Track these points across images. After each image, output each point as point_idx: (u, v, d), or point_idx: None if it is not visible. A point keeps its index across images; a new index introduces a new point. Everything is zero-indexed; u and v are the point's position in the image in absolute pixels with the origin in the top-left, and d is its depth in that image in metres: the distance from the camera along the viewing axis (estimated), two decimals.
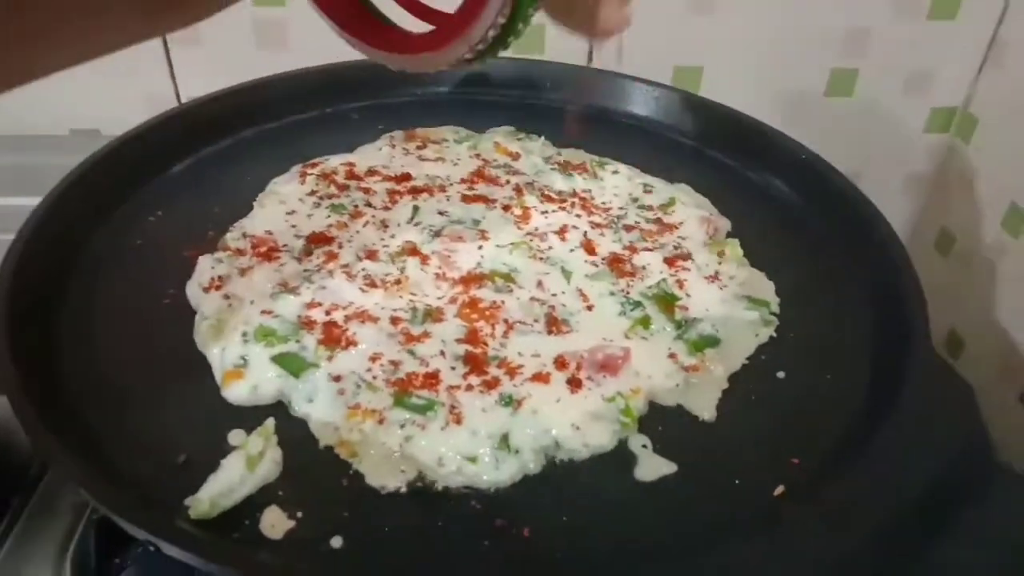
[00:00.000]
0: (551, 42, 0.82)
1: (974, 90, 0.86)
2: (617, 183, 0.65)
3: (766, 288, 0.55)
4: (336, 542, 0.38)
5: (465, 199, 0.60)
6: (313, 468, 0.42)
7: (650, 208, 0.61)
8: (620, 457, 0.43)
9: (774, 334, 0.52)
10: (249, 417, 0.44)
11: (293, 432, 0.43)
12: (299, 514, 0.39)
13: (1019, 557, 0.35)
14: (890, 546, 0.36)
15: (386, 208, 0.59)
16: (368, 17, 0.38)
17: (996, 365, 0.82)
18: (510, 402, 0.44)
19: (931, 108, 0.88)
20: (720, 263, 0.56)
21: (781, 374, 0.49)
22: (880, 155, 0.92)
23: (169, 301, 0.51)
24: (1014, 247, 0.80)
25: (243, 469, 0.40)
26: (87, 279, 0.53)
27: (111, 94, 0.82)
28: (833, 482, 0.40)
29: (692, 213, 0.60)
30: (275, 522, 0.39)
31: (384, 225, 0.57)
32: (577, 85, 0.77)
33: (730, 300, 0.53)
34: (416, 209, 0.58)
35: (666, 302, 0.51)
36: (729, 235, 0.60)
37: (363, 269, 0.52)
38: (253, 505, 0.39)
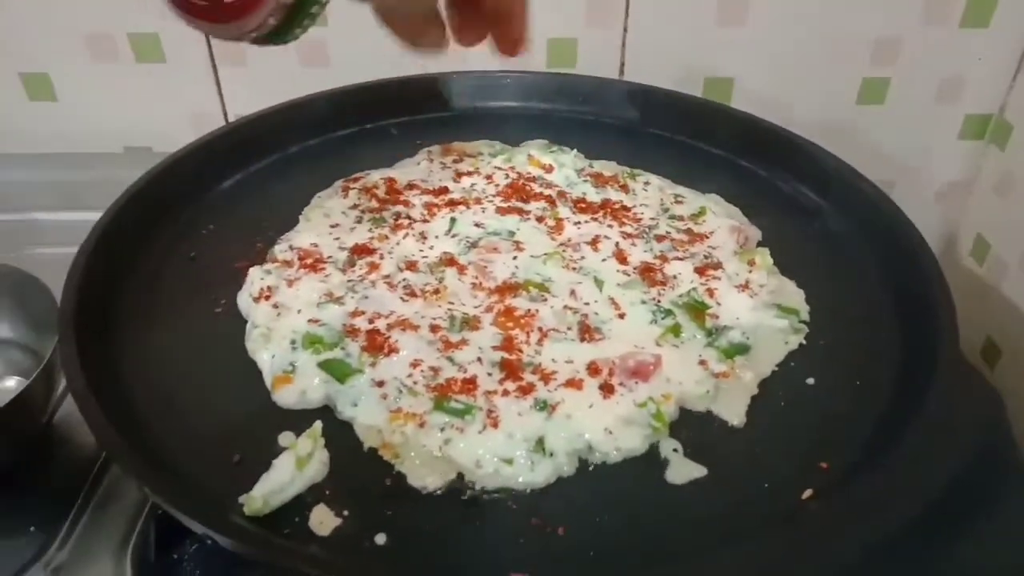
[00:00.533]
0: (583, 55, 0.84)
1: (1009, 97, 0.86)
2: (648, 194, 0.66)
3: (796, 296, 0.56)
4: (380, 539, 0.40)
5: (500, 211, 0.62)
6: (358, 469, 0.44)
7: (681, 218, 0.63)
8: (651, 460, 0.45)
9: (804, 342, 0.53)
10: (298, 420, 0.46)
11: (339, 434, 0.45)
12: (345, 512, 0.41)
13: None
14: (910, 548, 0.37)
15: (424, 220, 0.61)
16: None
17: None
18: (544, 407, 0.45)
19: (965, 115, 0.88)
20: (750, 272, 0.57)
21: (811, 380, 0.50)
22: (914, 163, 0.92)
23: (221, 310, 0.54)
24: None
25: (293, 469, 0.42)
26: (145, 291, 0.56)
27: (162, 113, 0.86)
28: (859, 486, 0.41)
29: (722, 223, 0.61)
30: (323, 519, 0.41)
31: (423, 237, 0.59)
32: (611, 97, 0.79)
33: (760, 308, 0.54)
34: (453, 221, 0.61)
35: (696, 310, 0.53)
36: (760, 244, 0.62)
37: (404, 279, 0.54)
38: (302, 503, 0.42)
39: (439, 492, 0.43)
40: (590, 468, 0.44)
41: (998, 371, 0.88)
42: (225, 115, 0.87)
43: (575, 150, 0.72)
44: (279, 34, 0.37)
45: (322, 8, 0.36)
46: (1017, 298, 0.85)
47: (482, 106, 0.80)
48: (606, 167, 0.70)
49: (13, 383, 0.58)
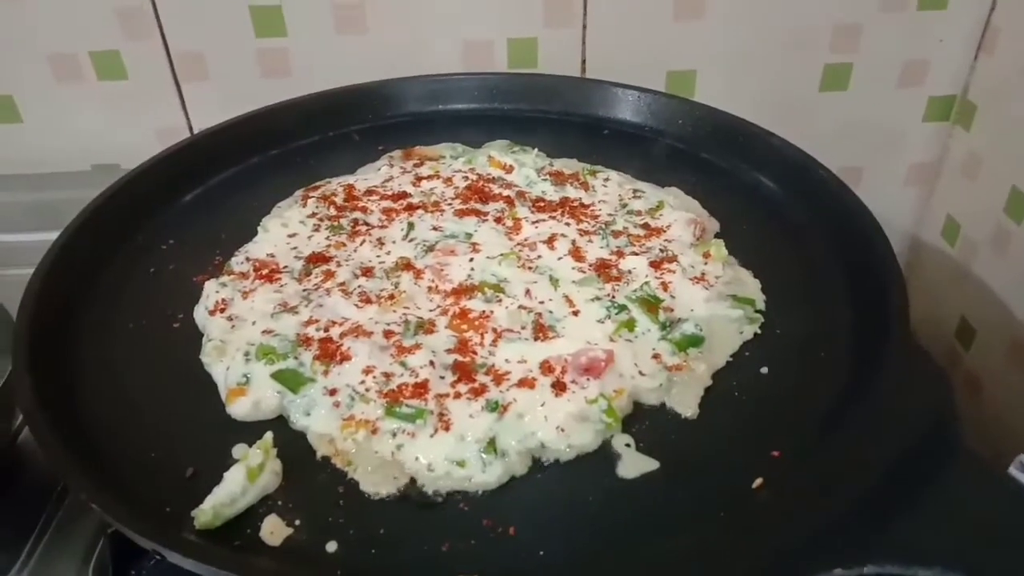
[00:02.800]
0: (544, 55, 0.84)
1: (971, 77, 0.86)
2: (608, 190, 0.66)
3: (751, 286, 0.56)
4: (331, 547, 0.40)
5: (458, 213, 0.62)
6: (311, 477, 0.44)
7: (639, 213, 0.63)
8: (604, 456, 0.45)
9: (759, 331, 0.53)
10: (252, 431, 0.46)
11: (292, 444, 0.45)
12: (297, 521, 0.41)
13: (978, 534, 0.36)
14: (853, 526, 0.37)
15: (382, 226, 0.61)
16: None
17: (1006, 351, 0.82)
18: (496, 407, 0.46)
19: (929, 97, 0.88)
20: (706, 264, 0.57)
21: (764, 370, 0.50)
22: (881, 147, 0.92)
23: (179, 325, 0.55)
24: (1017, 231, 0.79)
25: (244, 480, 0.42)
26: (103, 307, 0.56)
27: (128, 130, 0.86)
28: (808, 472, 0.42)
29: (679, 216, 0.62)
30: (274, 529, 0.41)
31: (380, 243, 0.59)
32: (572, 95, 0.79)
33: (715, 300, 0.54)
34: (411, 226, 0.61)
35: (650, 304, 0.53)
36: (717, 236, 0.62)
37: (359, 286, 0.54)
38: (254, 514, 0.42)
39: (391, 497, 0.43)
40: (542, 467, 0.44)
41: (973, 350, 0.88)
42: (191, 129, 0.87)
43: (536, 149, 0.72)
44: None
45: None
46: (988, 277, 0.85)
47: (445, 109, 0.80)
48: (567, 165, 0.71)
49: None
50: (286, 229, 0.62)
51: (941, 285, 0.94)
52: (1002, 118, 0.83)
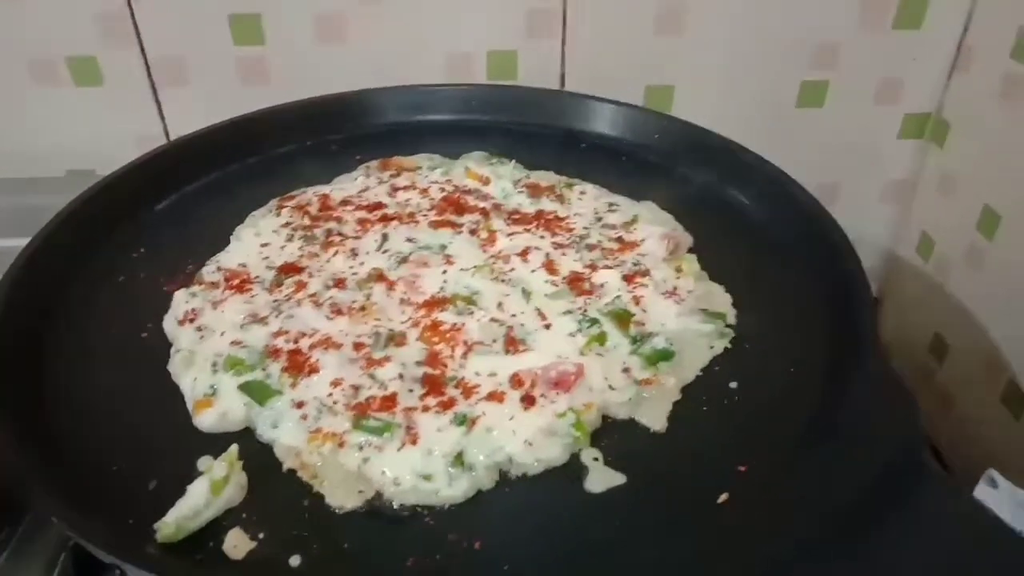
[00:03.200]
0: (523, 68, 0.84)
1: (945, 96, 0.88)
2: (583, 203, 0.67)
3: (723, 301, 0.56)
4: (295, 561, 0.40)
5: (433, 225, 0.62)
6: (276, 490, 0.44)
7: (613, 227, 0.63)
8: (572, 470, 0.45)
9: (729, 345, 0.53)
10: (218, 444, 0.46)
11: (259, 457, 0.45)
12: (261, 535, 0.41)
13: (944, 557, 0.36)
14: (820, 545, 0.37)
15: (356, 237, 0.61)
16: None
17: (979, 367, 0.82)
18: (464, 421, 0.45)
19: (904, 114, 0.89)
20: (678, 278, 0.57)
21: (734, 384, 0.50)
22: (857, 163, 0.93)
23: (147, 335, 0.54)
24: (989, 249, 0.80)
25: (208, 493, 0.42)
26: (72, 316, 0.55)
27: (104, 135, 0.85)
28: (774, 488, 0.42)
29: (653, 230, 0.62)
30: (237, 543, 0.41)
31: (354, 253, 0.59)
32: (550, 108, 0.79)
33: (686, 314, 0.54)
34: (385, 237, 0.61)
35: (621, 318, 0.53)
36: (691, 250, 0.62)
37: (330, 297, 0.54)
38: (218, 527, 0.41)
39: (357, 511, 0.42)
40: (510, 480, 0.44)
41: (946, 366, 0.89)
42: (167, 135, 0.87)
43: (514, 161, 0.72)
44: None
45: None
46: (962, 294, 0.86)
47: (423, 120, 0.80)
48: (544, 177, 0.71)
49: None
50: (259, 238, 0.61)
51: (916, 301, 0.95)
52: (975, 136, 0.84)
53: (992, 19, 0.80)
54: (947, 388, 0.88)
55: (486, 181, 0.69)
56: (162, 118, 0.86)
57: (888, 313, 1.02)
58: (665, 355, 0.51)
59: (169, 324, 0.54)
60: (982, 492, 0.57)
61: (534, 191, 0.67)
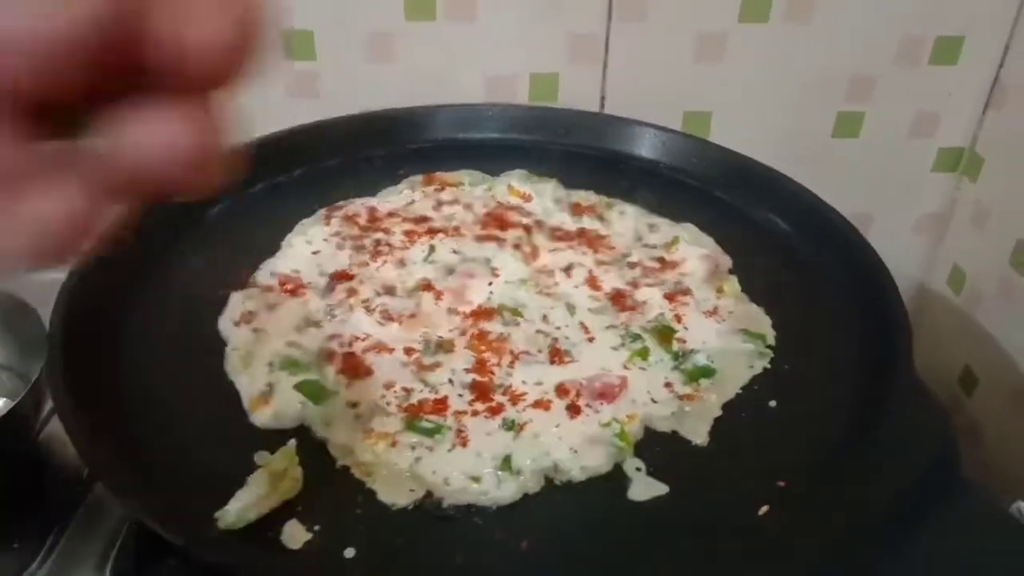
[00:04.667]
0: (564, 89, 0.87)
1: (979, 131, 0.89)
2: (624, 223, 0.68)
3: (763, 322, 0.58)
4: (349, 553, 0.42)
5: (478, 239, 0.64)
6: (330, 486, 0.45)
7: (654, 247, 0.65)
8: (615, 479, 0.46)
9: (768, 365, 0.54)
10: (274, 439, 0.47)
11: (314, 453, 0.47)
12: (316, 527, 0.43)
13: (977, 566, 0.37)
14: (857, 557, 0.38)
15: (404, 248, 0.63)
16: None
17: (1008, 401, 0.83)
18: (512, 426, 0.47)
19: (938, 148, 0.91)
20: (719, 299, 0.59)
21: (773, 403, 0.51)
22: (891, 195, 0.94)
23: (206, 333, 0.56)
24: (1022, 284, 0.81)
25: (267, 485, 0.43)
26: (137, 316, 0.57)
27: None
28: (813, 501, 0.43)
29: (694, 251, 0.63)
30: (295, 534, 0.42)
31: (402, 263, 0.61)
32: (590, 130, 0.82)
33: (727, 333, 0.56)
34: (432, 248, 0.63)
35: (664, 335, 0.54)
36: (730, 272, 0.63)
37: (381, 304, 0.56)
38: (276, 518, 0.43)
39: (408, 508, 0.44)
40: (555, 485, 0.46)
41: (975, 398, 0.89)
42: None
43: (555, 180, 0.74)
44: None
45: None
46: (992, 327, 0.87)
47: (465, 137, 0.82)
48: (584, 197, 0.73)
49: (1, 403, 0.60)
50: (310, 246, 0.63)
51: (946, 332, 0.96)
52: (1009, 172, 0.85)
53: None
54: (976, 420, 0.88)
55: (528, 198, 0.71)
56: None
57: (918, 344, 1.02)
58: (706, 372, 0.52)
59: (225, 324, 0.56)
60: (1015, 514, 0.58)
61: (575, 210, 0.69)
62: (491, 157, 0.79)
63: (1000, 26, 0.83)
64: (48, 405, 0.54)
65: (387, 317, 0.55)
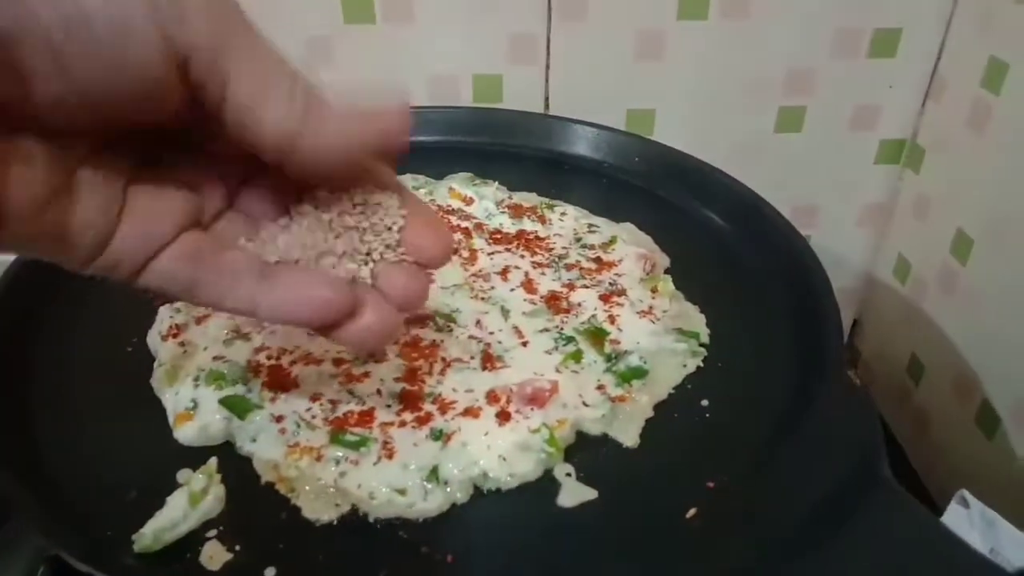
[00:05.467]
0: (508, 91, 0.86)
1: (919, 123, 0.90)
2: (563, 224, 0.68)
3: (697, 321, 0.58)
4: (270, 572, 0.41)
5: None
6: (254, 503, 0.44)
7: (592, 247, 0.64)
8: (545, 485, 0.46)
9: (701, 364, 0.54)
10: (198, 457, 0.46)
11: (238, 470, 0.46)
12: (237, 547, 0.42)
13: (894, 566, 0.38)
14: (779, 554, 0.38)
15: None
16: None
17: (953, 388, 0.84)
18: (440, 436, 0.46)
19: (880, 140, 0.92)
20: (654, 298, 0.59)
21: (705, 402, 0.51)
22: (835, 188, 0.95)
23: (132, 349, 0.55)
24: (963, 272, 0.82)
25: (186, 505, 0.42)
26: (57, 329, 0.56)
27: None
28: (739, 502, 0.43)
29: (631, 251, 0.63)
30: (214, 554, 0.41)
31: None
32: (534, 131, 0.81)
33: (660, 333, 0.56)
34: None
35: (596, 336, 0.54)
36: (667, 271, 0.63)
37: None
38: (196, 539, 0.42)
39: (333, 524, 0.43)
40: (484, 495, 0.45)
41: (922, 387, 0.90)
42: None
43: (497, 183, 0.73)
44: None
45: None
46: (937, 316, 0.88)
47: (409, 141, 0.81)
48: (526, 198, 0.72)
49: None
50: None
51: (893, 323, 0.97)
52: (948, 163, 0.86)
53: (963, 50, 0.83)
54: (924, 409, 0.90)
55: (469, 201, 0.71)
56: None
57: (867, 335, 1.04)
58: (638, 372, 0.52)
59: (153, 338, 0.55)
60: (953, 512, 0.59)
61: (516, 211, 0.69)
62: (435, 160, 0.78)
63: (937, 18, 0.84)
64: None
65: None
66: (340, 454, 0.45)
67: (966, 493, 0.59)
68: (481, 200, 0.71)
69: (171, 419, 0.49)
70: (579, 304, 0.57)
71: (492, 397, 0.49)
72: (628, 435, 0.49)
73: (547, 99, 0.87)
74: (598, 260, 0.63)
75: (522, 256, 0.63)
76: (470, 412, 0.48)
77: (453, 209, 0.69)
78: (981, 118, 0.79)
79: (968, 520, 0.60)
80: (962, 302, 0.83)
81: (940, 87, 0.87)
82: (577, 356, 0.53)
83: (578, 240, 0.66)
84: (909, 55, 0.86)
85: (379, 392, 0.49)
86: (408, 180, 0.75)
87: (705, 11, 0.82)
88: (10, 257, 0.59)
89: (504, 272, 0.60)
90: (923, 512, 0.40)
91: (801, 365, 0.53)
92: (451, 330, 0.55)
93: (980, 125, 0.79)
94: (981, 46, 0.79)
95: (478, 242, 0.64)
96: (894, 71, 0.87)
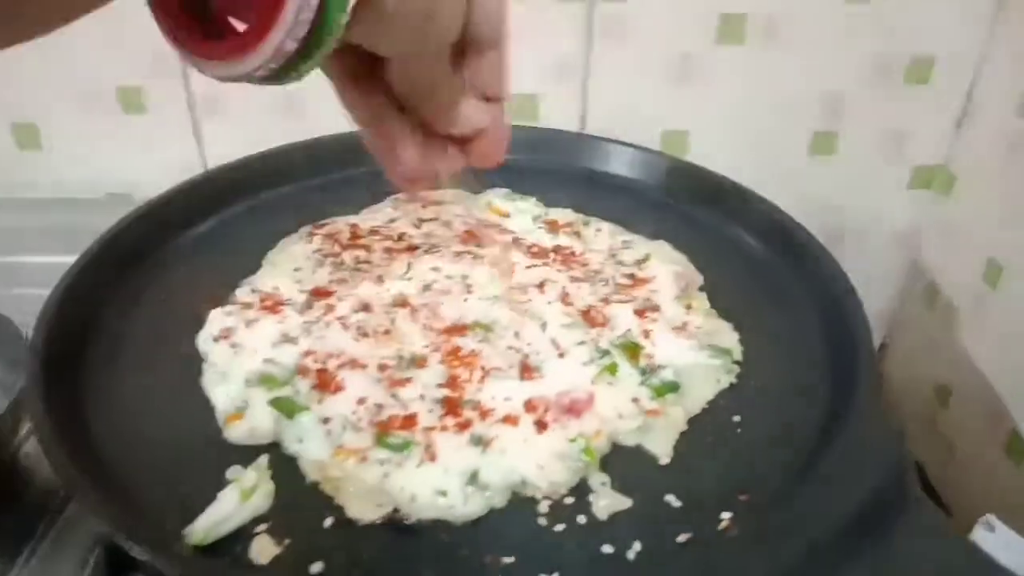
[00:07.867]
0: (545, 110, 0.88)
1: (952, 149, 0.90)
2: (599, 240, 0.70)
3: (730, 338, 0.59)
4: (316, 567, 0.42)
5: (455, 255, 0.65)
6: (300, 501, 0.46)
7: (626, 264, 0.66)
8: (580, 493, 0.47)
9: (735, 381, 0.55)
10: (247, 455, 0.48)
11: (285, 468, 0.48)
12: (286, 542, 0.44)
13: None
14: (809, 569, 0.39)
15: (383, 265, 0.64)
16: (195, 24, 0.33)
17: (981, 416, 0.84)
18: (480, 442, 0.48)
19: (912, 166, 0.92)
20: (688, 315, 0.60)
21: (737, 418, 0.53)
22: (866, 212, 0.96)
23: (184, 351, 0.57)
24: (993, 300, 0.83)
25: (237, 501, 0.44)
26: (115, 330, 0.58)
27: (144, 161, 0.90)
28: (771, 515, 0.44)
29: (665, 268, 0.65)
30: (263, 549, 0.43)
31: (380, 280, 0.62)
32: (570, 149, 0.83)
33: (695, 349, 0.57)
34: (410, 265, 0.64)
35: (632, 350, 0.55)
36: (701, 289, 0.65)
37: (357, 321, 0.57)
38: (246, 533, 0.44)
39: (376, 524, 0.45)
40: (521, 500, 0.47)
41: (949, 414, 0.90)
42: (204, 163, 0.91)
43: (534, 198, 0.75)
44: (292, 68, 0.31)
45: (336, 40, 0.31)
46: (966, 343, 0.88)
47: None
48: (562, 215, 0.74)
49: None
50: (292, 263, 0.65)
51: (921, 348, 0.97)
52: (980, 190, 0.86)
53: (997, 77, 0.83)
54: (950, 436, 0.89)
55: (507, 216, 0.72)
56: (200, 146, 0.90)
57: (894, 360, 1.04)
58: (672, 387, 0.53)
59: (203, 341, 0.57)
60: (979, 536, 0.59)
61: (552, 227, 0.71)
62: (475, 176, 0.80)
63: (972, 45, 0.85)
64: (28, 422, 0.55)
65: (363, 333, 0.56)
66: (384, 456, 0.47)
67: (992, 517, 0.59)
68: (518, 215, 0.73)
69: (220, 418, 0.51)
70: (614, 318, 0.59)
71: (530, 406, 0.51)
72: (662, 447, 0.50)
73: (583, 118, 0.89)
74: (632, 276, 0.64)
75: (559, 270, 0.64)
76: (509, 420, 0.50)
77: (492, 223, 0.71)
78: (1015, 145, 0.79)
79: (994, 545, 0.60)
80: (992, 329, 0.83)
81: (973, 114, 0.87)
82: (613, 369, 0.54)
83: (613, 256, 0.67)
84: (943, 81, 0.87)
85: (422, 397, 0.51)
86: (448, 194, 0.77)
87: (742, 36, 0.83)
88: (71, 259, 0.61)
89: (541, 285, 0.62)
90: (955, 533, 0.40)
91: (832, 386, 0.54)
92: (490, 340, 0.56)
93: (1014, 152, 0.79)
94: (1016, 73, 0.79)
95: (516, 256, 0.66)
96: (928, 97, 0.88)
